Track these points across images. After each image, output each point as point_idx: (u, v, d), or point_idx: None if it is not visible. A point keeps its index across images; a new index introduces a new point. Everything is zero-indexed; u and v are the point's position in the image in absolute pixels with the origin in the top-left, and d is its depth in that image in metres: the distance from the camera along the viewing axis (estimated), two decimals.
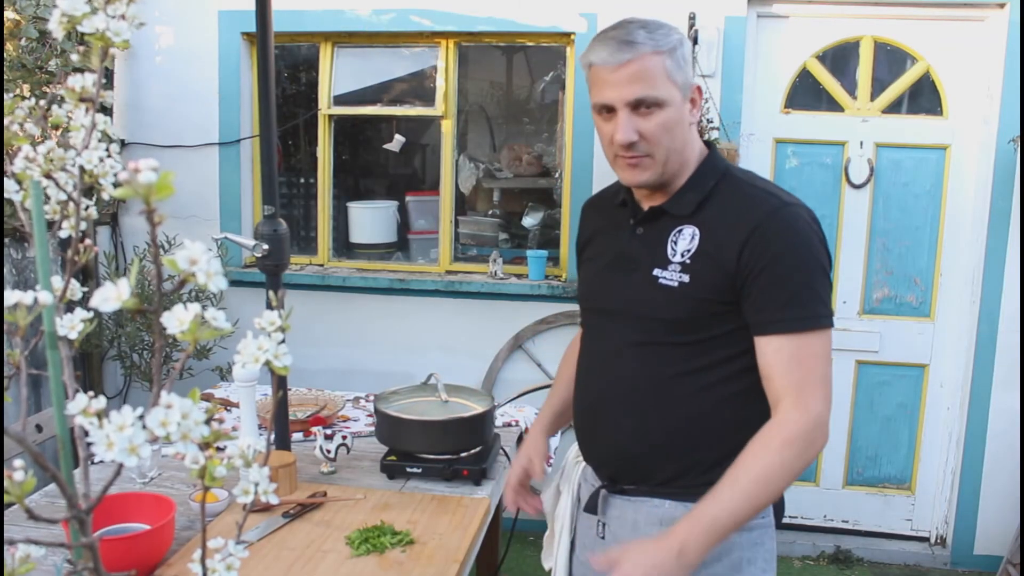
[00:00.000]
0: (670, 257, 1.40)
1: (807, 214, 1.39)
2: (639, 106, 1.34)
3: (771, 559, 1.48)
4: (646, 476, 1.47)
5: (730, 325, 1.38)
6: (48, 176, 0.71)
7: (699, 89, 1.43)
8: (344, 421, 2.47)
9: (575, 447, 1.67)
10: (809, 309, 1.33)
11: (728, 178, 1.44)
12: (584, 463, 1.63)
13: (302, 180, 3.99)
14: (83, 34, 0.60)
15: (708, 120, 3.13)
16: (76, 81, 0.66)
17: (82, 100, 0.67)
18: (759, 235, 1.33)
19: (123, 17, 0.61)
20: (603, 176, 3.16)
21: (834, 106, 3.34)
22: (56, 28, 0.61)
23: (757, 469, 1.30)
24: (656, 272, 1.40)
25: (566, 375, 1.71)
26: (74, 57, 0.68)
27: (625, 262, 1.47)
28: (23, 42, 2.97)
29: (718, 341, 1.39)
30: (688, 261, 1.38)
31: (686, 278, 1.37)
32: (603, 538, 1.54)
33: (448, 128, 3.55)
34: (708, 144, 1.49)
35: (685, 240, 1.40)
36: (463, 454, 2.03)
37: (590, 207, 1.66)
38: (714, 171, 1.44)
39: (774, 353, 1.34)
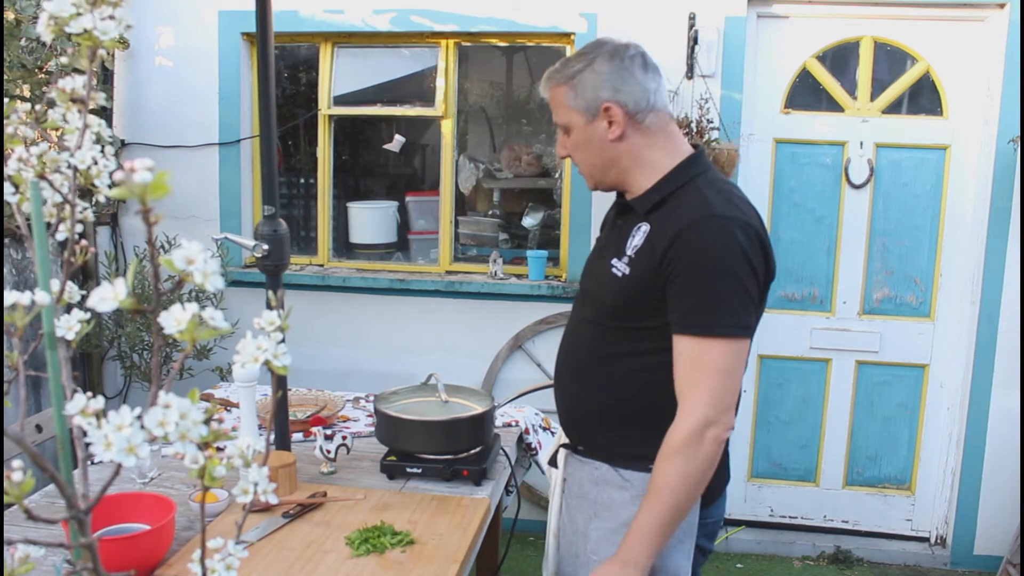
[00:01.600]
0: (626, 250, 1.54)
1: (738, 227, 1.44)
2: (560, 128, 1.59)
3: (689, 532, 1.58)
4: (586, 439, 1.66)
5: (659, 320, 1.49)
6: (43, 178, 0.71)
7: (607, 107, 1.51)
8: (344, 421, 2.47)
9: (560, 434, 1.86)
10: (710, 317, 1.42)
11: (691, 183, 1.52)
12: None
13: (302, 180, 3.99)
14: (72, 35, 0.60)
15: (708, 120, 3.13)
16: (67, 83, 0.66)
17: (73, 101, 0.67)
18: (680, 240, 1.44)
19: (111, 17, 0.61)
20: None
21: (834, 106, 3.34)
22: (44, 31, 0.61)
23: (660, 479, 1.45)
24: (613, 261, 1.55)
25: None
26: (63, 59, 0.68)
27: (603, 250, 1.65)
28: (23, 42, 2.97)
29: (647, 332, 1.51)
30: (633, 255, 1.52)
31: (627, 270, 1.52)
32: (564, 492, 1.72)
33: (448, 128, 3.56)
34: (696, 148, 1.58)
35: (639, 236, 1.53)
36: (463, 454, 2.03)
37: (616, 200, 1.77)
38: (682, 176, 1.53)
39: (678, 354, 1.46)
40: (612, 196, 1.69)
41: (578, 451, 1.68)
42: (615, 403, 1.58)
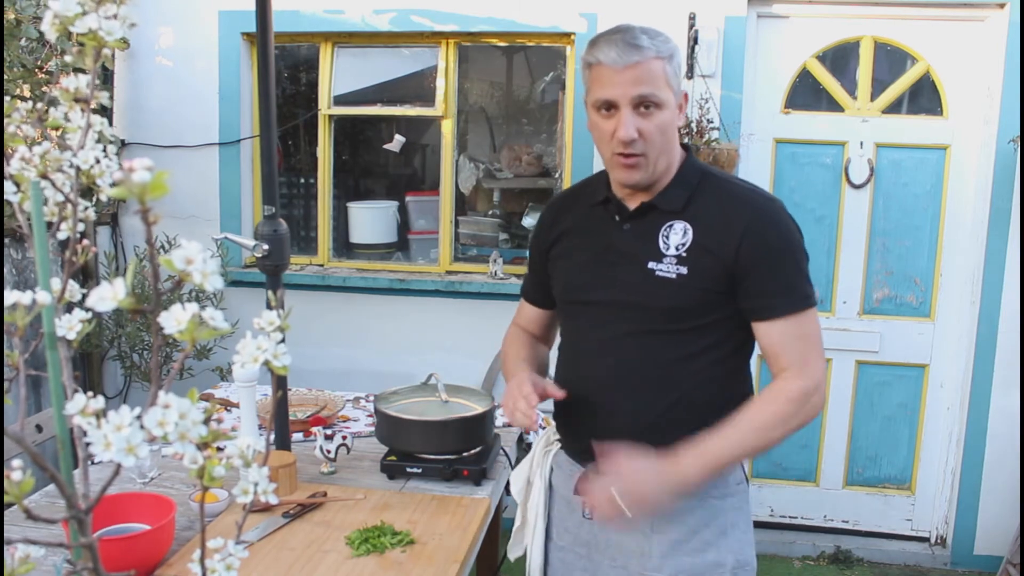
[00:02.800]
0: (663, 251, 1.49)
1: (784, 207, 1.56)
2: (640, 105, 1.43)
3: (750, 521, 1.62)
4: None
5: (720, 313, 1.49)
6: (45, 177, 0.71)
7: (686, 96, 1.54)
8: (344, 421, 2.47)
9: (543, 436, 1.75)
10: (802, 291, 1.48)
11: (709, 176, 1.55)
12: (555, 451, 1.70)
13: (302, 180, 3.99)
14: (77, 35, 0.60)
15: (708, 120, 3.13)
16: (70, 82, 0.66)
17: (76, 100, 0.67)
18: (754, 230, 1.46)
19: (115, 17, 0.61)
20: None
21: (834, 106, 3.34)
22: (49, 29, 0.61)
23: (762, 417, 1.44)
24: (652, 265, 1.49)
25: (519, 354, 1.72)
26: (67, 58, 0.68)
27: (614, 256, 1.54)
28: (23, 42, 2.97)
29: (709, 328, 1.50)
30: (684, 254, 1.48)
31: (684, 270, 1.47)
32: (590, 518, 1.59)
33: (448, 128, 3.56)
34: (684, 146, 1.60)
35: (677, 234, 1.49)
36: (463, 454, 2.03)
37: (558, 207, 1.72)
38: (695, 170, 1.55)
39: (779, 334, 1.47)
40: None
41: None
42: (678, 408, 1.51)
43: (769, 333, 1.48)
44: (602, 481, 1.41)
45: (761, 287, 1.47)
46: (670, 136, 1.49)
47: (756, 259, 1.45)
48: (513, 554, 1.79)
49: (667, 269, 1.48)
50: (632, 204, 1.55)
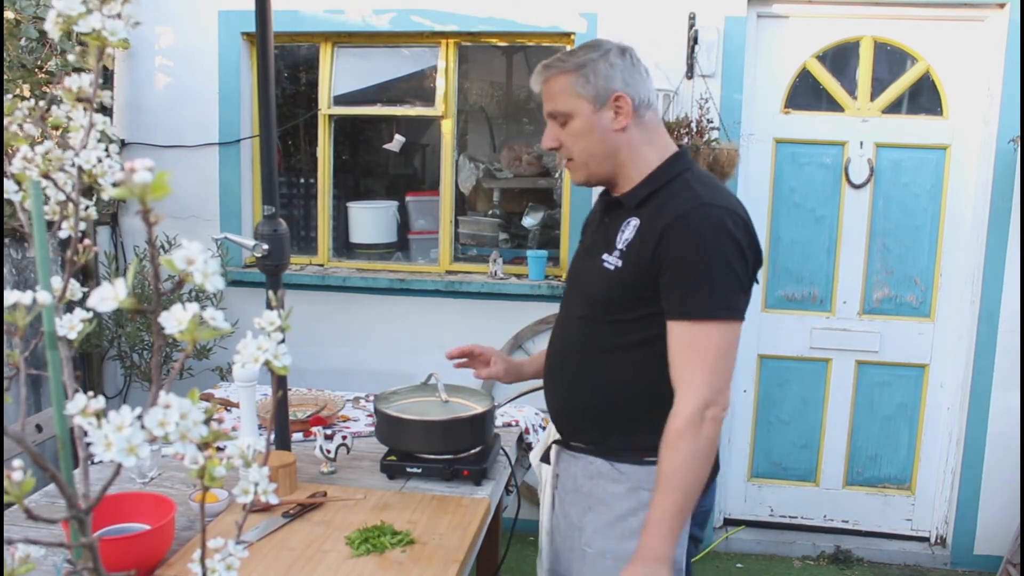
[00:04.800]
0: (616, 244, 1.57)
1: (728, 215, 1.50)
2: (554, 118, 1.60)
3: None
4: (579, 434, 1.68)
5: (651, 309, 1.53)
6: (47, 176, 0.71)
7: (618, 97, 1.55)
8: (344, 421, 2.47)
9: None
10: (704, 301, 1.47)
11: (679, 178, 1.57)
12: None
13: (302, 180, 3.99)
14: (80, 34, 0.60)
15: (708, 120, 3.13)
16: (73, 81, 0.66)
17: (79, 100, 0.67)
18: (672, 230, 1.48)
19: (119, 16, 0.61)
20: None
21: (834, 106, 3.34)
22: (52, 28, 0.61)
23: (668, 467, 1.47)
24: (604, 256, 1.59)
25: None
26: (71, 57, 0.68)
27: (591, 246, 1.67)
28: (23, 42, 2.97)
29: (639, 323, 1.55)
30: (624, 248, 1.55)
31: (620, 263, 1.55)
32: (556, 488, 1.76)
33: (448, 128, 3.56)
34: (681, 148, 1.64)
35: (629, 230, 1.56)
36: (463, 454, 2.03)
37: (598, 200, 1.81)
38: (670, 171, 1.58)
39: (674, 339, 1.50)
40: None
41: (571, 446, 1.70)
42: (609, 396, 1.61)
43: (669, 335, 1.51)
44: None
45: (667, 288, 1.49)
46: (594, 139, 1.57)
47: (668, 257, 1.48)
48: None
49: (610, 261, 1.56)
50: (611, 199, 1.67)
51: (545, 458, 1.82)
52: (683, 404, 1.47)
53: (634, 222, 1.56)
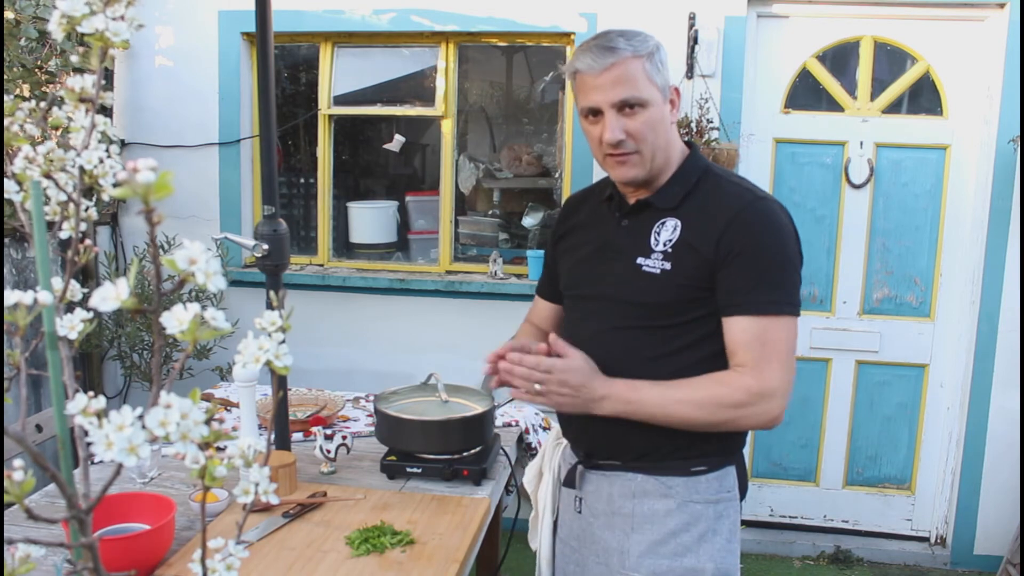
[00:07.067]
0: (653, 247, 1.50)
1: (780, 208, 1.51)
2: (623, 107, 1.45)
3: (735, 531, 1.60)
4: (621, 452, 1.56)
5: (703, 310, 1.47)
6: (48, 176, 0.71)
7: (676, 90, 1.52)
8: (344, 421, 2.47)
9: (555, 431, 1.76)
10: (775, 295, 1.44)
11: (709, 174, 1.54)
12: (564, 443, 1.73)
13: (302, 180, 3.99)
14: (82, 35, 0.60)
15: (708, 120, 3.13)
16: (75, 82, 0.66)
17: (81, 101, 0.67)
18: (736, 225, 1.44)
19: (122, 18, 0.61)
20: (602, 175, 3.16)
21: (834, 106, 3.34)
22: (56, 29, 0.61)
23: (701, 393, 1.43)
24: (639, 260, 1.50)
25: (526, 332, 1.83)
26: (74, 58, 0.68)
27: (610, 252, 1.57)
28: (23, 42, 2.97)
29: (691, 326, 1.48)
30: (670, 250, 1.48)
31: (668, 266, 1.47)
32: (580, 512, 1.64)
33: (448, 128, 3.56)
34: (689, 144, 1.59)
35: (668, 231, 1.49)
36: (463, 454, 2.03)
37: (575, 202, 1.74)
38: (696, 168, 1.54)
39: (740, 332, 1.44)
40: None
41: (602, 465, 1.59)
42: None
43: (731, 330, 1.45)
44: (541, 361, 1.45)
45: (731, 283, 1.44)
46: (662, 131, 1.48)
47: (732, 254, 1.43)
48: (533, 544, 1.81)
49: (653, 265, 1.48)
50: (632, 201, 1.56)
51: (569, 482, 1.66)
52: (754, 378, 1.41)
53: (673, 222, 1.49)
